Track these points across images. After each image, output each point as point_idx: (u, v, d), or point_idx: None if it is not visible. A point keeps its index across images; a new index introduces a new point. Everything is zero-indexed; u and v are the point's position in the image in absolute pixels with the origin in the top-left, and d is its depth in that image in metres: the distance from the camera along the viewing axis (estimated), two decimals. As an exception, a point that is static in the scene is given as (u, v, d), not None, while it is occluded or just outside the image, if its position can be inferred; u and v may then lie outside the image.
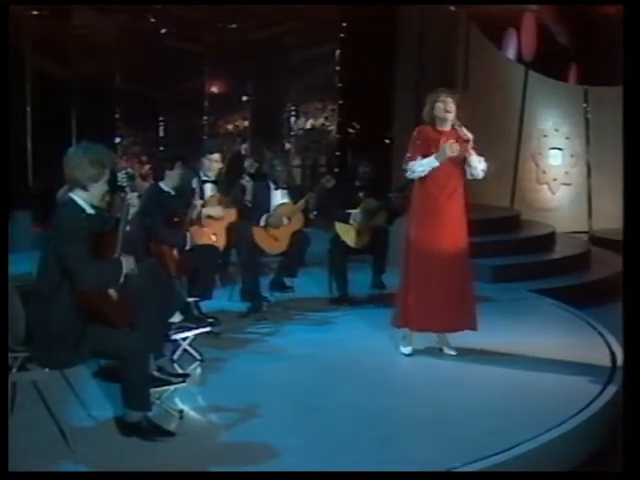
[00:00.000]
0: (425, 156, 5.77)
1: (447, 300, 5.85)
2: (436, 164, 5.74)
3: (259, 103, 12.06)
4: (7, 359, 4.08)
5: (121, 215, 4.41)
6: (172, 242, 6.27)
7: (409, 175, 5.87)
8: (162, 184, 6.47)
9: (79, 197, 4.33)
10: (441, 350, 6.01)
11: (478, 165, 5.82)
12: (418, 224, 5.90)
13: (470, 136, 5.77)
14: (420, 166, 5.78)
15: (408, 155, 5.85)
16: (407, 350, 5.98)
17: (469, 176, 5.87)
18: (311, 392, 5.22)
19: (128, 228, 4.44)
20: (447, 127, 5.83)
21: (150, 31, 11.26)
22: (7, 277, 4.09)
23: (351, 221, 7.39)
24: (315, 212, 7.31)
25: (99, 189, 4.36)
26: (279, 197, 7.28)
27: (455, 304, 5.89)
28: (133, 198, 4.48)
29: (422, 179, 5.83)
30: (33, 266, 4.35)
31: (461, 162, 5.82)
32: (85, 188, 4.32)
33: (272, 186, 7.25)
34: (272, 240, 7.15)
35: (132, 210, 4.47)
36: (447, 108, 5.78)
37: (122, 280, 4.31)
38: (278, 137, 12.31)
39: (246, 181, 7.16)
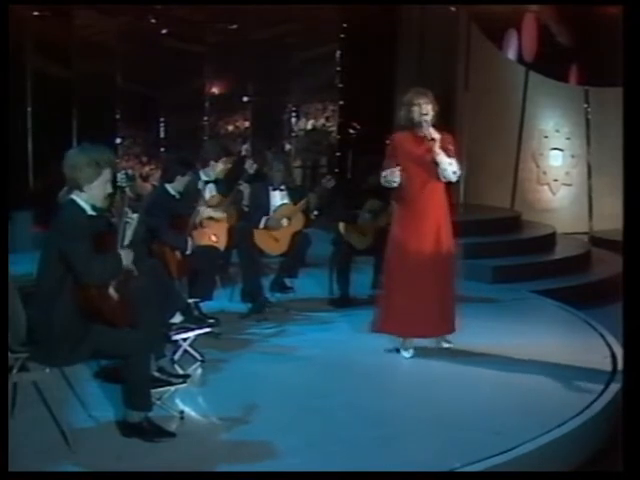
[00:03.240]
0: (399, 163, 5.77)
1: (427, 304, 5.82)
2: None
3: (260, 104, 12.07)
4: (7, 360, 4.08)
5: (119, 227, 4.41)
6: (174, 244, 6.27)
7: (383, 183, 5.88)
8: (169, 187, 6.46)
9: (80, 198, 4.33)
10: (441, 349, 6.00)
11: (448, 167, 5.72)
12: (399, 226, 5.89)
13: (436, 136, 5.67)
14: (383, 177, 5.82)
15: (385, 162, 5.86)
16: (408, 354, 5.97)
17: (442, 178, 5.77)
18: (312, 392, 5.22)
19: (127, 240, 4.44)
20: (425, 128, 5.74)
21: (151, 32, 11.26)
22: (7, 277, 4.09)
23: (357, 223, 7.38)
24: (316, 212, 7.30)
25: (97, 190, 4.34)
26: (278, 198, 7.28)
27: (435, 308, 5.86)
28: (134, 218, 4.48)
29: (402, 181, 5.81)
30: (33, 266, 4.35)
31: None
32: (81, 189, 4.32)
33: (270, 187, 7.26)
34: (272, 241, 7.16)
35: (131, 225, 4.47)
36: (422, 111, 5.73)
37: (122, 271, 4.32)
38: (279, 138, 12.31)
39: (243, 187, 7.14)
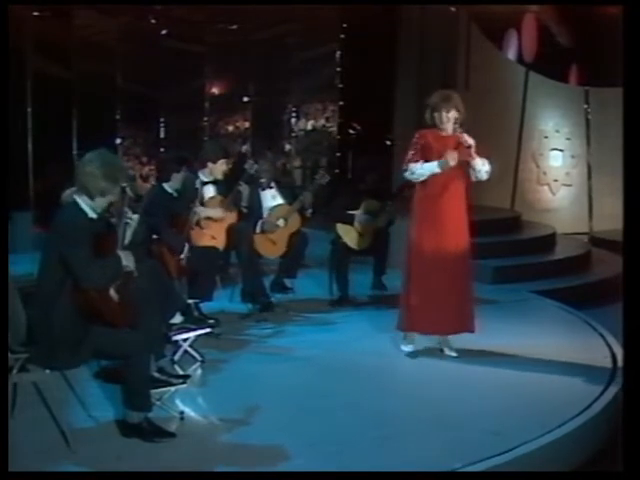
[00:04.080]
0: (426, 160, 5.78)
1: (447, 302, 5.85)
2: (437, 170, 5.75)
3: (260, 104, 12.07)
4: (7, 360, 4.08)
5: (119, 228, 4.41)
6: (174, 244, 6.27)
7: (408, 176, 5.88)
8: (166, 186, 6.48)
9: (83, 202, 4.32)
10: (442, 351, 6.00)
11: (482, 168, 5.79)
12: (419, 225, 5.89)
13: (472, 142, 5.74)
14: (421, 169, 5.78)
15: (409, 156, 5.85)
16: (408, 348, 5.99)
17: (473, 178, 5.85)
18: (312, 393, 5.22)
19: (127, 241, 4.44)
20: (449, 131, 5.81)
21: (151, 32, 11.26)
22: (7, 278, 4.09)
23: (355, 223, 7.38)
24: (311, 210, 7.29)
25: (104, 201, 4.34)
26: (269, 197, 7.26)
27: (455, 306, 5.88)
28: (134, 218, 4.47)
29: (424, 181, 5.84)
30: (34, 267, 4.35)
31: (463, 164, 5.80)
32: (92, 198, 4.31)
33: (260, 188, 7.25)
34: (270, 244, 7.15)
35: (131, 226, 4.46)
36: (445, 118, 5.76)
37: (123, 273, 4.32)
38: (279, 138, 12.31)
39: (243, 187, 7.15)
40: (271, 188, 7.29)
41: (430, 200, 5.84)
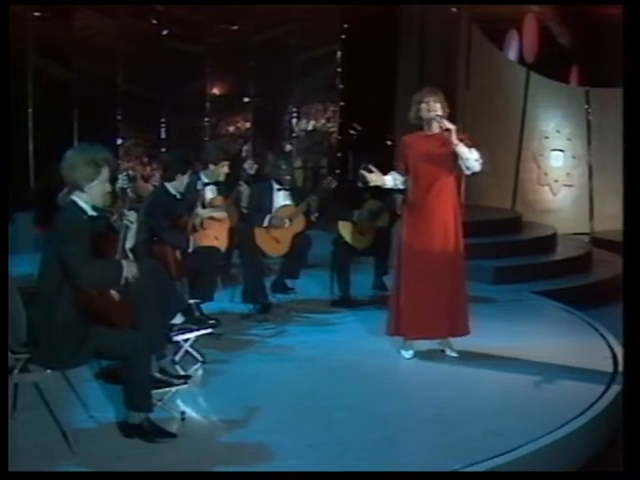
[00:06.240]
0: (411, 164, 5.81)
1: (437, 305, 5.79)
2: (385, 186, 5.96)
3: (261, 104, 12.07)
4: (7, 360, 4.08)
5: (119, 230, 4.41)
6: (175, 244, 6.28)
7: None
8: (169, 187, 6.46)
9: (80, 199, 4.33)
10: (443, 352, 6.00)
11: (470, 156, 5.65)
12: (407, 227, 5.87)
13: (451, 126, 5.64)
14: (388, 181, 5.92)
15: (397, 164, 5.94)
16: (408, 354, 5.95)
17: (466, 170, 5.73)
18: (312, 393, 5.22)
19: (129, 245, 4.44)
20: (435, 129, 5.77)
21: (152, 32, 11.27)
22: (7, 278, 4.09)
23: (354, 218, 7.37)
24: (317, 214, 7.29)
25: (97, 189, 4.34)
26: (281, 199, 7.28)
27: (446, 309, 5.82)
28: (135, 219, 4.47)
29: (412, 181, 5.82)
30: (34, 267, 4.35)
31: (447, 161, 5.72)
32: (82, 189, 4.31)
33: (275, 187, 7.26)
34: (273, 242, 7.15)
35: (132, 227, 4.46)
36: (430, 108, 5.72)
37: (122, 283, 4.32)
38: (280, 139, 12.31)
39: (243, 188, 7.13)
40: (287, 190, 7.30)
41: (418, 201, 5.81)
